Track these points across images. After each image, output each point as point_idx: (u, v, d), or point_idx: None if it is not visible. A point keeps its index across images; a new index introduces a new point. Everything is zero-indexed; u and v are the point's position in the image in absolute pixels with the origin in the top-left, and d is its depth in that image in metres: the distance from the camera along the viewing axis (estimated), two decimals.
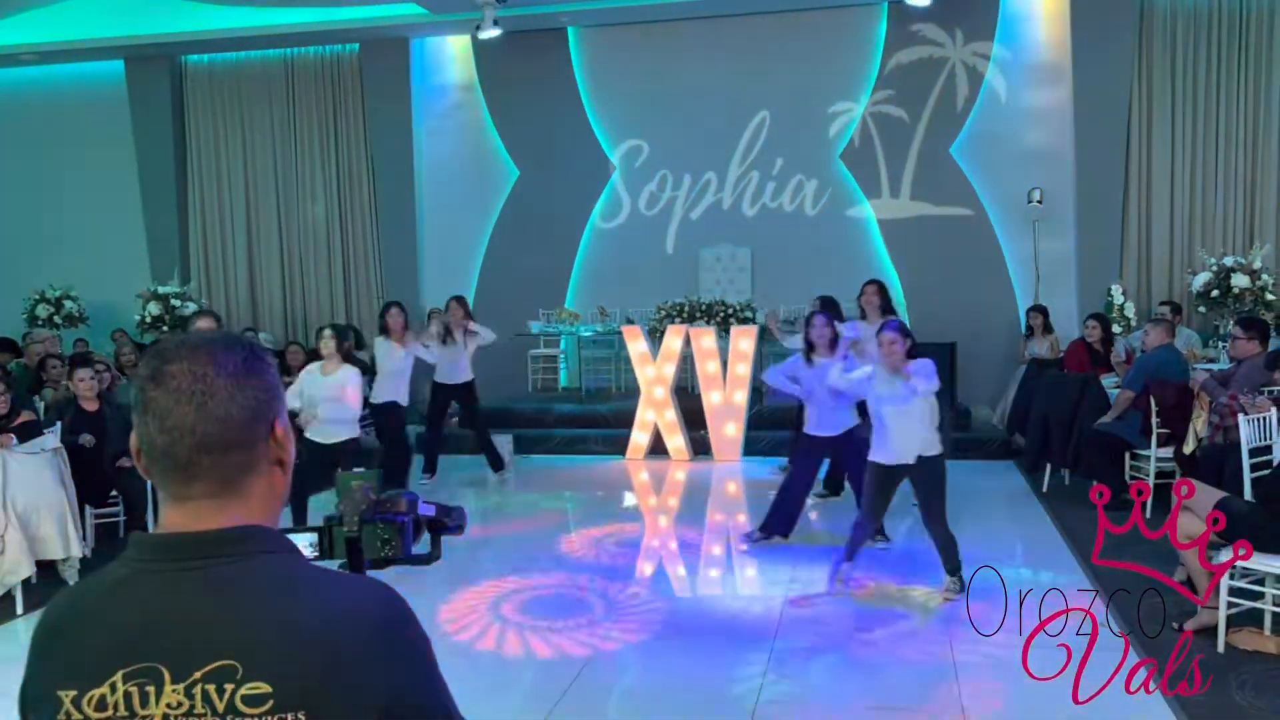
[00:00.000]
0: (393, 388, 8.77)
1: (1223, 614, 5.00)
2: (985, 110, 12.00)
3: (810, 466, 7.23)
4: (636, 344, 10.58)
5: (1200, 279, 10.48)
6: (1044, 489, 8.73)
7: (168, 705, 1.20)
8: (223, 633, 1.21)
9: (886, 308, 8.19)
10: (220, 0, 12.38)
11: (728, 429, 10.38)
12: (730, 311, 10.80)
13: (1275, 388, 6.76)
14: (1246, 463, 5.70)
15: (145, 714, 1.21)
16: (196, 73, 13.78)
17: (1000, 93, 11.97)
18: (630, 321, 11.28)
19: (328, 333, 7.44)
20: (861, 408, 6.75)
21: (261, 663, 1.20)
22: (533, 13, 12.05)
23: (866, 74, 12.25)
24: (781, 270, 12.17)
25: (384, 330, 8.89)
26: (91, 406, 7.52)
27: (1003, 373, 11.34)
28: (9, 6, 12.49)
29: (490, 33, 11.60)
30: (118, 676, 1.21)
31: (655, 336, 10.71)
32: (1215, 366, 8.68)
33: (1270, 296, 10.34)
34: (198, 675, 1.20)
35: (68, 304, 13.14)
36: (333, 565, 1.46)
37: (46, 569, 6.46)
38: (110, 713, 1.21)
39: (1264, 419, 5.89)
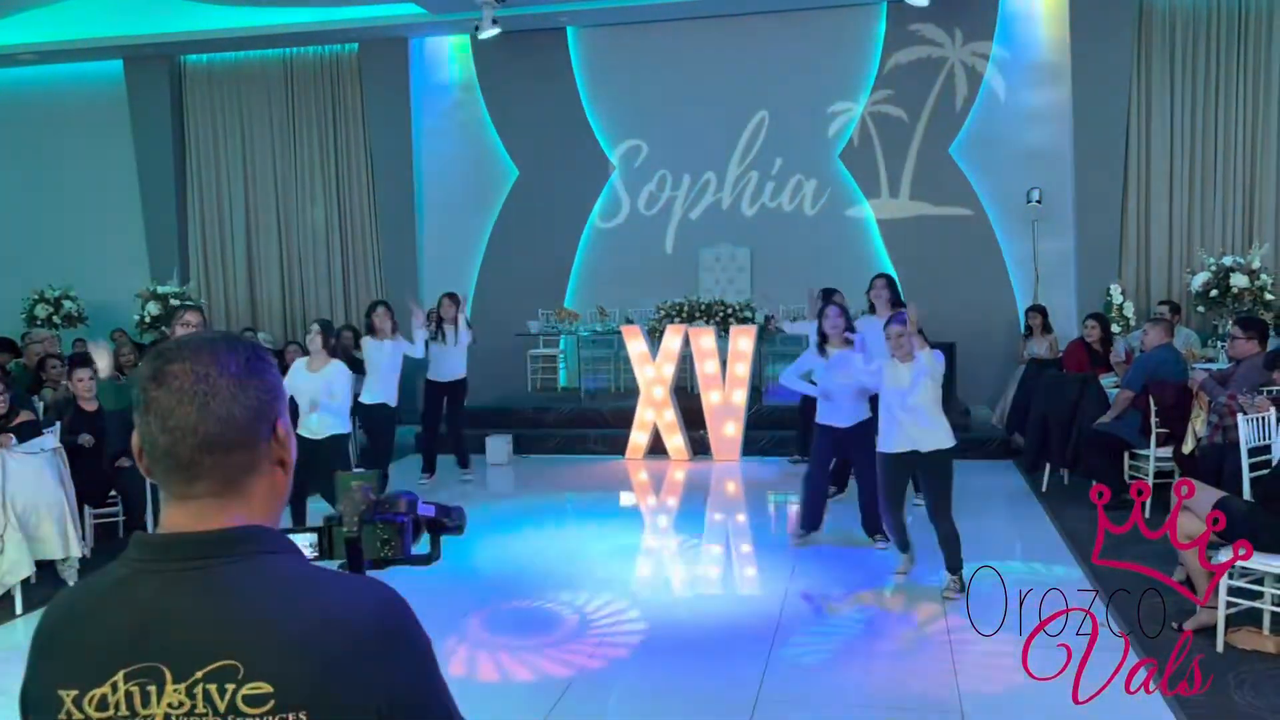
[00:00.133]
0: (382, 388, 8.71)
1: (1221, 613, 5.00)
2: (984, 110, 12.00)
3: (825, 458, 7.18)
4: (636, 344, 10.59)
5: (1199, 279, 10.49)
6: (1043, 488, 8.74)
7: (169, 705, 1.20)
8: (224, 633, 1.21)
9: (896, 301, 8.08)
10: (219, 0, 12.38)
11: (727, 429, 10.38)
12: (729, 311, 10.80)
13: (1274, 387, 6.76)
14: (1245, 462, 5.70)
15: (146, 714, 1.21)
16: (196, 72, 13.78)
17: (999, 93, 11.98)
18: (629, 321, 11.29)
19: (315, 328, 7.42)
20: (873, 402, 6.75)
21: (263, 663, 1.20)
22: (532, 12, 12.05)
23: (865, 74, 12.25)
24: (781, 270, 12.18)
25: (370, 330, 8.85)
26: (90, 406, 7.52)
27: (1002, 372, 11.34)
28: (8, 6, 12.48)
29: (490, 33, 11.60)
30: (119, 676, 1.21)
31: (654, 336, 10.71)
32: (1214, 366, 8.69)
33: (1269, 296, 10.35)
34: (199, 675, 1.20)
35: (67, 304, 13.13)
36: (332, 566, 1.46)
37: (46, 569, 6.46)
38: (111, 712, 1.21)
39: (1263, 419, 5.89)
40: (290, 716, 1.19)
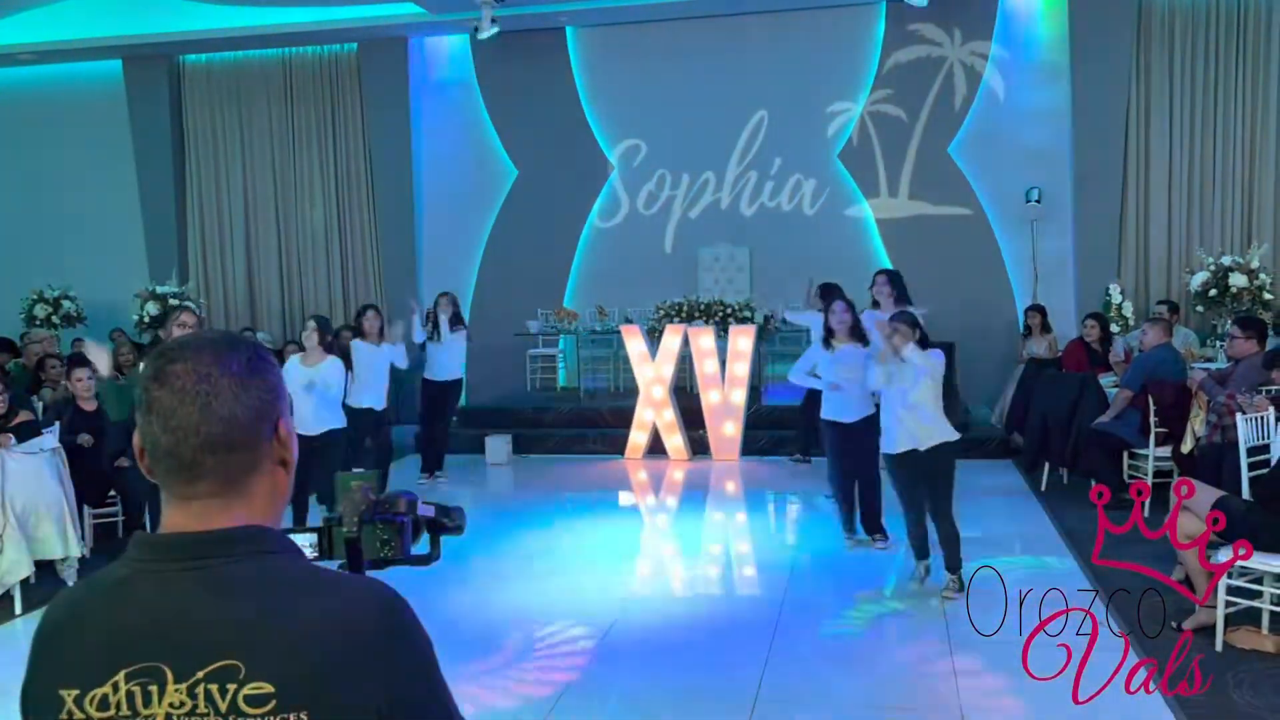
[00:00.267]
0: (369, 392, 8.62)
1: (1221, 613, 5.00)
2: (983, 110, 12.01)
3: (839, 455, 7.10)
4: (635, 343, 10.58)
5: (1198, 278, 10.49)
6: (1042, 488, 8.74)
7: (170, 705, 1.20)
8: (225, 633, 1.21)
9: (902, 296, 7.89)
10: (218, 0, 12.38)
11: (726, 428, 10.38)
12: (729, 311, 10.80)
13: (1273, 387, 6.77)
14: (1244, 462, 5.70)
15: (148, 713, 1.21)
16: (194, 72, 13.77)
17: (998, 92, 11.98)
18: (629, 321, 11.29)
19: (311, 324, 7.43)
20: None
21: (264, 663, 1.20)
22: (531, 12, 12.05)
23: (865, 73, 12.25)
24: (780, 270, 12.15)
25: (359, 333, 8.79)
26: (90, 406, 7.53)
27: (1001, 372, 11.34)
28: (7, 6, 12.48)
29: (489, 32, 11.60)
30: (120, 676, 1.21)
31: (654, 336, 10.71)
32: (1213, 366, 8.69)
33: (1268, 296, 10.35)
34: (200, 675, 1.20)
35: (66, 304, 13.13)
36: (332, 566, 1.46)
37: (45, 569, 6.46)
38: (112, 712, 1.21)
39: (1262, 418, 5.89)
40: (291, 716, 1.19)
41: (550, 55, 12.84)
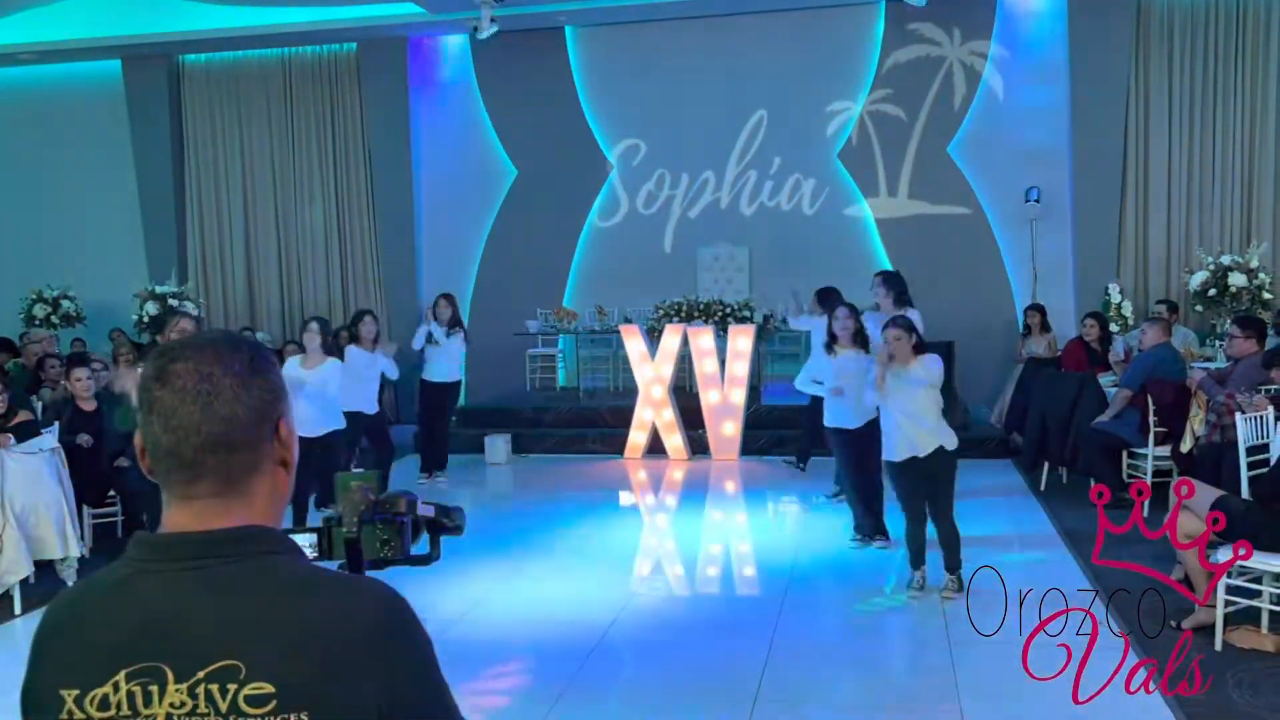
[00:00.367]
0: (360, 398, 8.57)
1: (1220, 612, 5.01)
2: (983, 109, 12.01)
3: (849, 460, 7.04)
4: (634, 343, 10.58)
5: (1197, 278, 10.49)
6: (1041, 487, 8.74)
7: (171, 705, 1.20)
8: (226, 633, 1.21)
9: (902, 297, 7.83)
10: (217, 0, 12.37)
11: (725, 428, 10.38)
12: (728, 311, 10.80)
13: (1272, 386, 6.77)
14: (1244, 461, 5.71)
15: (148, 713, 1.21)
16: (194, 72, 13.76)
17: (998, 92, 11.98)
18: (628, 320, 11.28)
19: (314, 326, 7.42)
20: None
21: (264, 663, 1.20)
22: (530, 12, 12.04)
23: (864, 73, 12.25)
24: (779, 269, 12.16)
25: (355, 339, 8.76)
26: (89, 406, 7.52)
27: (1000, 372, 11.35)
28: (6, 6, 12.47)
29: (488, 32, 11.59)
30: (120, 676, 1.21)
31: (653, 336, 10.71)
32: (1212, 365, 8.69)
33: (1267, 295, 10.36)
34: (201, 675, 1.20)
35: (65, 303, 13.12)
36: (332, 566, 1.46)
37: (44, 569, 6.45)
38: (113, 712, 1.21)
39: (1261, 418, 5.89)
40: (292, 717, 1.19)
41: (549, 55, 12.84)
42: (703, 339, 10.40)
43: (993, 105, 11.99)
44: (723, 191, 12.72)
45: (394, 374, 8.98)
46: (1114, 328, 10.40)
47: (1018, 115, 11.94)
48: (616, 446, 10.71)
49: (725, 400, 10.35)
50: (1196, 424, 7.22)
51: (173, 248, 13.77)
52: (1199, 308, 10.67)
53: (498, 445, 10.53)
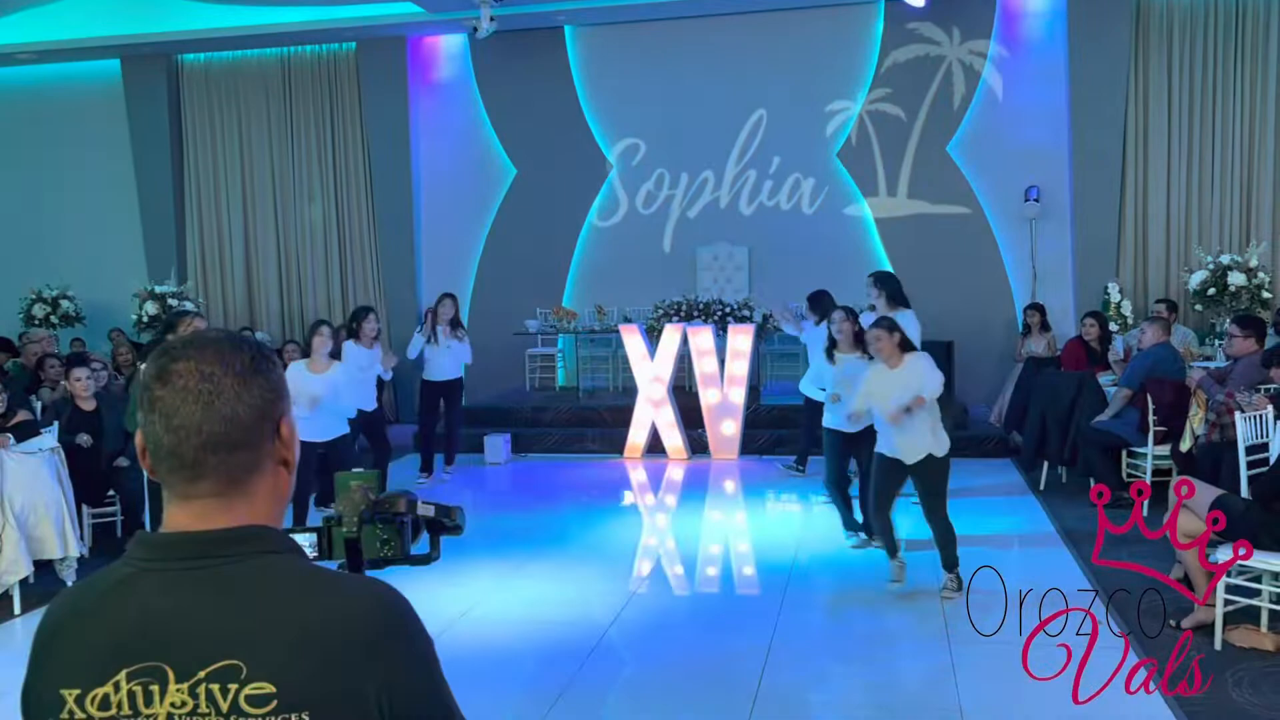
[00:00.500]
0: (359, 395, 8.54)
1: (1219, 611, 5.01)
2: (982, 109, 12.00)
3: (838, 460, 7.08)
4: (634, 343, 10.58)
5: (1197, 277, 10.49)
6: (1041, 486, 8.74)
7: (171, 705, 1.20)
8: (227, 633, 1.21)
9: (896, 297, 7.79)
10: (216, 0, 12.39)
11: (725, 427, 10.38)
12: (728, 310, 10.79)
13: (1272, 385, 6.77)
14: (1243, 460, 5.71)
15: (149, 713, 1.21)
16: (193, 71, 13.75)
17: (997, 91, 11.98)
18: (628, 320, 11.28)
19: (326, 330, 7.40)
20: None
21: (265, 663, 1.20)
22: (529, 11, 12.03)
23: (863, 72, 12.24)
24: (779, 269, 12.17)
25: (354, 335, 8.74)
26: (88, 406, 7.51)
27: (1000, 371, 11.35)
28: (5, 6, 12.47)
29: (487, 31, 11.57)
30: (121, 675, 1.21)
31: (652, 335, 10.71)
32: (1212, 364, 8.69)
33: (1266, 294, 10.36)
34: (202, 675, 1.20)
35: (64, 303, 13.11)
36: (332, 566, 1.46)
37: (44, 569, 6.45)
38: (114, 712, 1.21)
39: (1260, 417, 5.90)
40: (292, 716, 1.19)
41: (549, 54, 12.83)
42: (702, 338, 10.41)
43: (992, 105, 11.99)
44: (722, 191, 12.71)
45: (388, 375, 9.07)
46: (1113, 327, 10.40)
47: (1017, 115, 11.94)
48: (616, 446, 10.72)
49: (724, 399, 10.35)
50: (1196, 423, 7.22)
51: (172, 247, 13.76)
52: (1198, 307, 10.67)
53: (497, 445, 10.53)
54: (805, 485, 9.09)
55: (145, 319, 12.55)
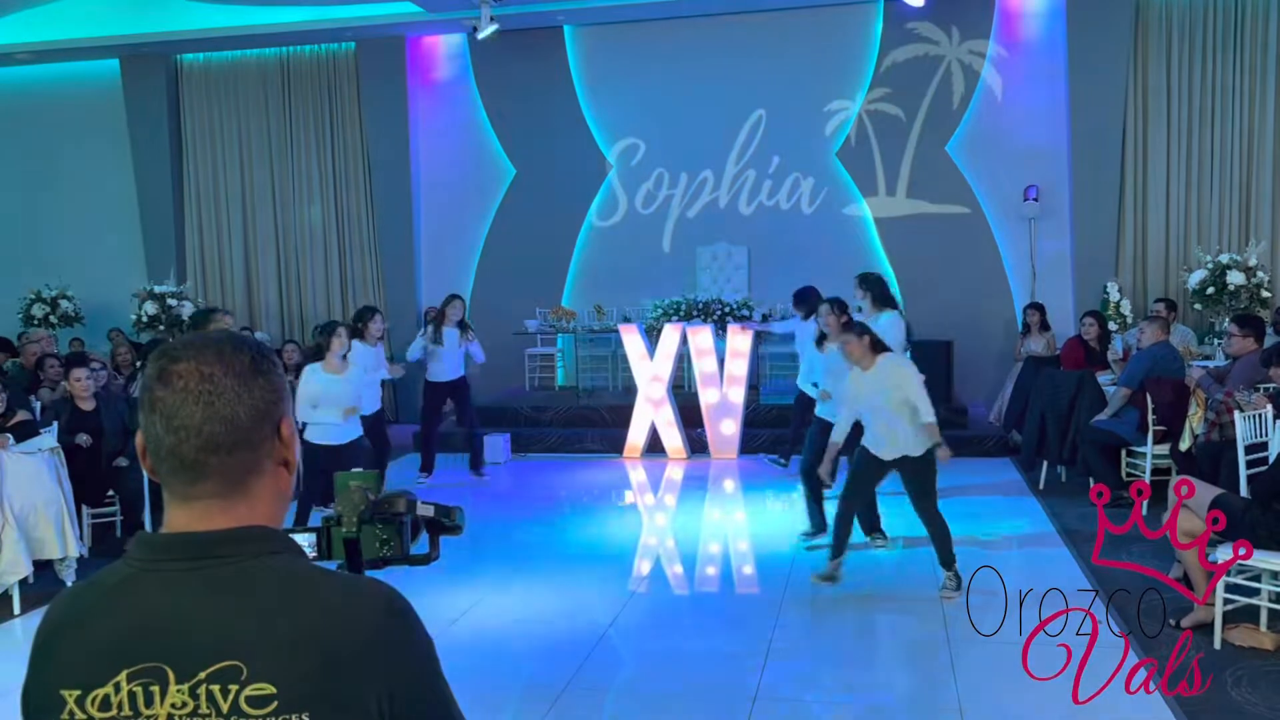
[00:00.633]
0: (364, 396, 8.57)
1: (1219, 610, 5.01)
2: (981, 108, 12.01)
3: (820, 453, 7.11)
4: (633, 342, 10.58)
5: (1196, 276, 10.49)
6: (1040, 486, 8.74)
7: (172, 705, 1.20)
8: (227, 633, 1.21)
9: (880, 298, 7.78)
10: None
11: (724, 427, 10.38)
12: (727, 310, 10.80)
13: (1271, 385, 6.77)
14: (1242, 459, 5.71)
15: (149, 714, 1.21)
16: (192, 71, 13.75)
17: (996, 91, 11.98)
18: (627, 320, 11.28)
19: (344, 331, 7.37)
20: None
21: (266, 664, 1.20)
22: (529, 11, 12.04)
23: (862, 72, 12.25)
24: (778, 268, 12.16)
25: (360, 335, 8.71)
26: (88, 406, 7.51)
27: (999, 370, 11.35)
28: (4, 6, 12.46)
29: (487, 31, 11.58)
30: (122, 676, 1.21)
31: (652, 335, 10.71)
32: (1211, 364, 8.69)
33: (1266, 294, 10.35)
34: (202, 676, 1.20)
35: (64, 303, 13.11)
36: (331, 566, 1.46)
37: (43, 569, 6.45)
38: (114, 713, 1.21)
39: (1259, 416, 5.90)
40: (293, 717, 1.19)
41: (548, 54, 12.84)
42: (701, 338, 10.41)
43: (991, 104, 11.99)
44: (721, 191, 12.71)
45: (387, 375, 9.11)
46: (1112, 326, 10.40)
47: (1016, 114, 11.94)
48: (615, 446, 10.72)
49: (724, 399, 10.35)
50: (1195, 422, 7.22)
51: (171, 247, 13.76)
52: (1197, 306, 10.67)
53: (496, 444, 10.52)
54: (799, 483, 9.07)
55: (145, 319, 12.55)
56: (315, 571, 1.31)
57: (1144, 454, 7.87)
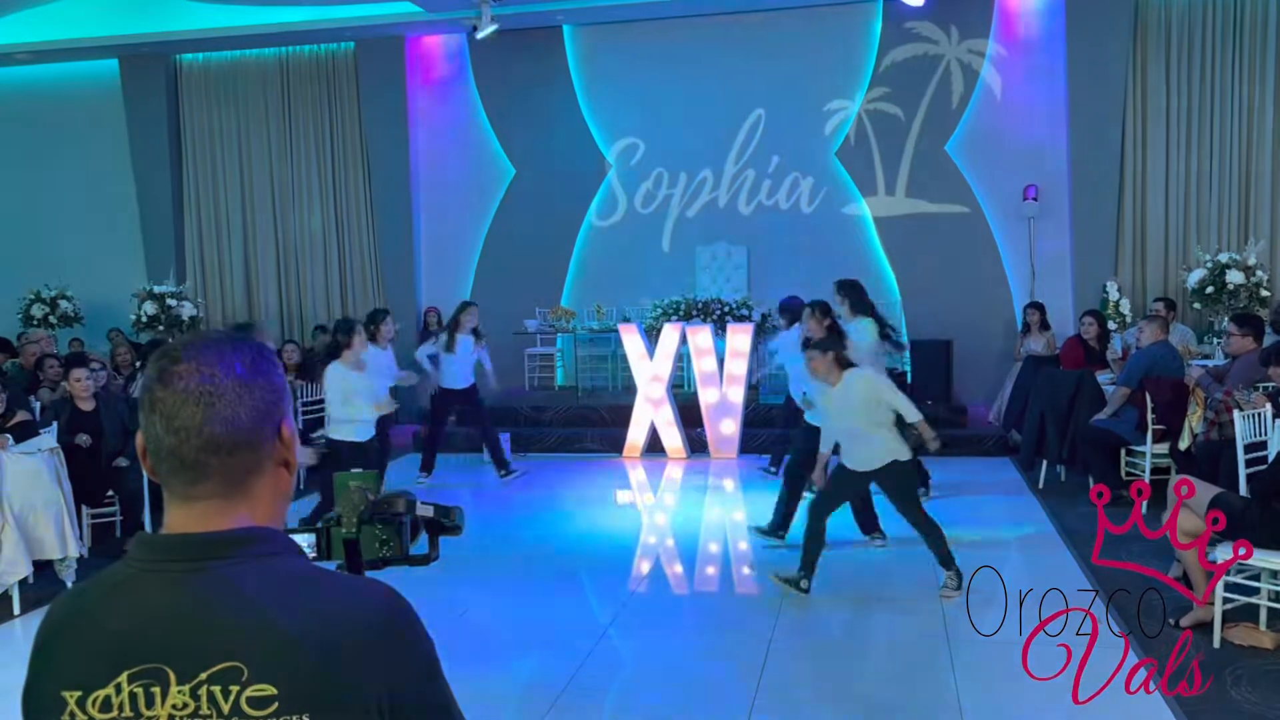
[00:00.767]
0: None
1: (1218, 609, 5.01)
2: (980, 107, 12.00)
3: (812, 457, 7.14)
4: (633, 342, 10.58)
5: (1195, 275, 10.49)
6: (1040, 485, 8.74)
7: (173, 706, 1.20)
8: (228, 634, 1.21)
9: (856, 307, 7.73)
10: None
11: (724, 426, 10.39)
12: (727, 309, 10.79)
13: (1270, 384, 6.77)
14: (1242, 459, 5.71)
15: (150, 715, 1.21)
16: (191, 71, 13.75)
17: (995, 90, 11.98)
18: (627, 320, 11.28)
19: (362, 330, 7.49)
20: None
21: (267, 665, 1.20)
22: (528, 11, 12.03)
23: (862, 71, 12.24)
24: (778, 268, 12.17)
25: (372, 338, 8.72)
26: (87, 406, 7.51)
27: (999, 370, 11.35)
28: (3, 6, 12.46)
29: (486, 31, 11.57)
30: (123, 677, 1.21)
31: (652, 335, 10.71)
32: (1210, 363, 8.69)
33: (1265, 293, 10.35)
34: (203, 677, 1.20)
35: (63, 304, 13.11)
36: (330, 566, 1.46)
37: (43, 569, 6.45)
38: (115, 713, 1.21)
39: (1259, 415, 5.90)
40: (294, 718, 1.19)
41: (547, 54, 12.83)
42: (701, 338, 10.41)
43: (990, 103, 11.99)
44: (721, 190, 12.71)
45: (405, 377, 9.11)
46: (1112, 325, 10.40)
47: (1015, 113, 11.94)
48: (615, 445, 10.72)
49: (724, 399, 10.35)
50: (1194, 421, 7.23)
51: (171, 247, 13.76)
52: (1197, 305, 10.67)
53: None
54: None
55: (144, 319, 12.55)
56: (316, 572, 1.31)
57: (1143, 453, 7.87)
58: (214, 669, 1.20)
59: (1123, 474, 8.08)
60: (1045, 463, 8.85)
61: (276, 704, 1.19)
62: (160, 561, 1.26)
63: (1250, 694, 4.48)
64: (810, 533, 6.10)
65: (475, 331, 9.50)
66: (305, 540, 1.54)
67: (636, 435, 10.58)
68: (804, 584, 6.03)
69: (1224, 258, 10.42)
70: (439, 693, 1.32)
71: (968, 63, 12.01)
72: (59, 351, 10.80)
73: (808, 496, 6.99)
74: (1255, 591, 5.08)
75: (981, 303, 11.90)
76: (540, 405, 11.74)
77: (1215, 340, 9.83)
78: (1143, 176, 11.57)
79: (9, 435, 6.50)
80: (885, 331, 7.59)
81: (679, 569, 7.14)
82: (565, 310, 11.96)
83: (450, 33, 12.94)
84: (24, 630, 5.81)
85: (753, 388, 10.89)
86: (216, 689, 1.19)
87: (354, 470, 1.63)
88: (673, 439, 10.47)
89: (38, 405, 7.98)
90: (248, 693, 1.19)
